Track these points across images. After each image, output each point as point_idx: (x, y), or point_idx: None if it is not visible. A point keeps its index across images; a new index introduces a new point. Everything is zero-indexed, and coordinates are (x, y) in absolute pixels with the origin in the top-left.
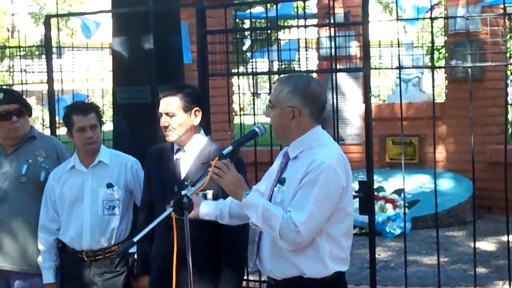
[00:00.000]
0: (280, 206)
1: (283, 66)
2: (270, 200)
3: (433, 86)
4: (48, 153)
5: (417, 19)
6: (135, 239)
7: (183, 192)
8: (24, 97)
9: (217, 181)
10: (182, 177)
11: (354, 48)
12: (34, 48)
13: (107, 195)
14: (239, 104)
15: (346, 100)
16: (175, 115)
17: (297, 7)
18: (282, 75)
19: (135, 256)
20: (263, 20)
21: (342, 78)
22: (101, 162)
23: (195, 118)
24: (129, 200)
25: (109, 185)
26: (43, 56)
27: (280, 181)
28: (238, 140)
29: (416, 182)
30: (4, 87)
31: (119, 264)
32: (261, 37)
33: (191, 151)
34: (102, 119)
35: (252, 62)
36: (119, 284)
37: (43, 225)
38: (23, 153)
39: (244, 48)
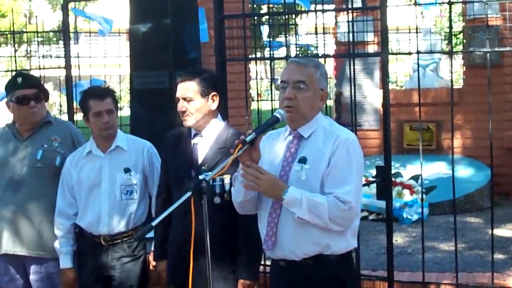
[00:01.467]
0: (305, 184)
1: (300, 52)
2: (287, 179)
3: (451, 72)
4: (63, 138)
5: (435, 3)
6: (154, 223)
7: (201, 177)
8: (41, 82)
9: (254, 189)
10: (200, 162)
11: (372, 34)
12: (51, 33)
13: (124, 180)
14: (257, 90)
15: (363, 85)
16: (192, 99)
17: None
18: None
19: (153, 241)
20: (280, 6)
21: (359, 64)
22: (118, 147)
23: (213, 103)
24: (146, 185)
25: (127, 170)
26: (60, 41)
27: (301, 159)
28: (260, 127)
29: (433, 168)
30: (19, 71)
31: (136, 248)
32: (278, 22)
33: (208, 136)
34: (119, 104)
35: (270, 47)
36: (137, 268)
37: (60, 210)
38: (38, 138)
39: (264, 35)
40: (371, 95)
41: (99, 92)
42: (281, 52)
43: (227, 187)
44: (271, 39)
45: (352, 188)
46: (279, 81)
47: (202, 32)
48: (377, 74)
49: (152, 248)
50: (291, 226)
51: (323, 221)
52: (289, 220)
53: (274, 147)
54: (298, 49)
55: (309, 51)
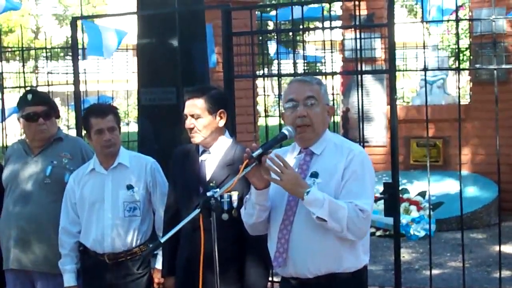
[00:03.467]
0: None
1: (308, 68)
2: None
3: (459, 88)
4: (74, 154)
5: (442, 21)
6: (162, 240)
7: (209, 193)
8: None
9: (274, 182)
10: (207, 178)
11: (379, 50)
12: (58, 49)
13: (127, 197)
14: (265, 106)
15: (370, 101)
16: (200, 117)
17: (322, 10)
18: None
19: (158, 257)
20: (287, 22)
21: (366, 80)
22: (121, 164)
23: (220, 120)
24: (150, 201)
25: (129, 187)
26: (67, 57)
27: (312, 174)
28: (268, 143)
29: (440, 185)
30: (30, 88)
31: (140, 266)
32: (285, 39)
33: (216, 153)
34: (126, 119)
35: (277, 64)
36: (141, 286)
37: (63, 227)
38: (48, 155)
39: (271, 51)
40: (378, 111)
41: (101, 110)
42: (287, 66)
43: (234, 204)
44: (279, 56)
45: (370, 201)
46: (283, 102)
47: (210, 55)
48: (384, 89)
49: (156, 265)
50: (303, 242)
51: (340, 226)
52: (301, 236)
53: None
54: (306, 64)
55: (317, 65)
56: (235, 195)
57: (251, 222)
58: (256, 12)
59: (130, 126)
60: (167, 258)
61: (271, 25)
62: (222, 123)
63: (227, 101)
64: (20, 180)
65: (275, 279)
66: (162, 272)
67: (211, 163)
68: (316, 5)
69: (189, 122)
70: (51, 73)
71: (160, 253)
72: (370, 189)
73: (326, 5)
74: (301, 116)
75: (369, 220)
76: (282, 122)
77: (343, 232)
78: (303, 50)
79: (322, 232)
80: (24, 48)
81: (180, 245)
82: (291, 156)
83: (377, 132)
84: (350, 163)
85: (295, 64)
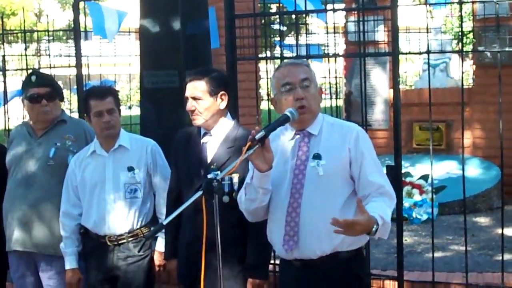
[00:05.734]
0: (323, 179)
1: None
2: (304, 177)
3: (462, 72)
4: (77, 137)
5: (446, 3)
6: (165, 222)
7: (211, 176)
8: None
9: (351, 235)
10: (209, 161)
11: (382, 33)
12: (61, 32)
13: (128, 179)
14: (267, 89)
15: (372, 85)
16: (201, 99)
17: None
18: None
19: (158, 240)
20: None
21: (368, 64)
22: (122, 146)
23: (221, 102)
24: (151, 183)
25: (130, 169)
26: (69, 40)
27: (315, 156)
28: (270, 125)
29: (442, 168)
30: (34, 70)
31: (142, 248)
32: (288, 22)
33: (217, 135)
34: (128, 103)
35: (281, 47)
36: (143, 268)
37: (65, 210)
38: (52, 137)
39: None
40: (380, 94)
41: (100, 92)
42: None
43: (235, 186)
44: (282, 38)
45: (384, 175)
46: (276, 87)
47: (213, 37)
48: (386, 73)
49: (157, 248)
50: (312, 224)
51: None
52: (312, 218)
53: (282, 147)
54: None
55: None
56: (236, 178)
57: (253, 208)
58: None
59: (132, 110)
60: (170, 241)
61: (274, 8)
62: (223, 105)
63: (229, 83)
64: (23, 162)
65: (277, 261)
66: (165, 255)
67: (212, 145)
68: None
69: (190, 105)
70: (54, 55)
71: (161, 236)
72: (379, 163)
73: None
74: (299, 98)
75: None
76: (272, 107)
77: None
78: (306, 33)
79: (329, 213)
80: (27, 30)
81: (182, 228)
82: (285, 139)
83: (378, 116)
84: (355, 142)
85: (297, 46)
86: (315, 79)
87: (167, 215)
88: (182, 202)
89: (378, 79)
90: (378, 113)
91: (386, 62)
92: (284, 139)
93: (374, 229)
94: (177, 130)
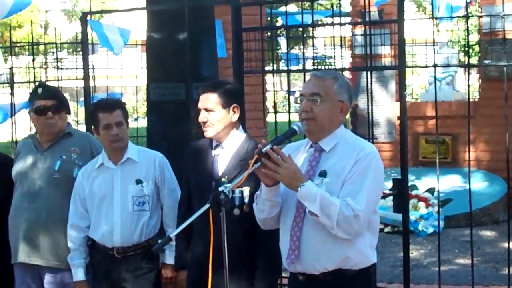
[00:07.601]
0: None
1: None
2: None
3: (468, 85)
4: (83, 150)
5: (452, 17)
6: (172, 234)
7: (220, 188)
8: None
9: (272, 176)
10: (220, 173)
11: (388, 47)
12: (67, 44)
13: (136, 191)
14: (274, 102)
15: (377, 98)
16: (213, 110)
17: (331, 5)
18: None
19: (166, 252)
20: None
21: (374, 76)
22: (130, 159)
23: (234, 114)
24: (158, 196)
25: (138, 181)
26: (75, 53)
27: (321, 173)
28: (277, 138)
29: (448, 181)
30: (41, 82)
31: (149, 261)
32: (295, 34)
33: (229, 148)
34: (135, 115)
35: (287, 60)
36: (150, 281)
37: (73, 223)
38: (57, 149)
39: (282, 47)
40: (385, 107)
41: (108, 105)
42: (296, 62)
43: (246, 199)
44: (288, 51)
45: (365, 201)
46: (297, 94)
47: (220, 47)
48: (392, 86)
49: (164, 260)
50: (314, 239)
51: (331, 222)
52: (312, 233)
53: (298, 160)
54: (315, 62)
55: (325, 63)
56: (246, 191)
57: (262, 218)
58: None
59: (138, 121)
60: (180, 253)
61: (280, 21)
62: (235, 117)
63: (241, 96)
64: (29, 175)
65: (284, 274)
66: (175, 266)
67: (224, 158)
68: (323, 9)
69: (202, 116)
70: (60, 68)
71: (168, 248)
72: (371, 189)
73: (335, 1)
74: (304, 110)
75: (362, 220)
76: (278, 119)
77: (333, 229)
78: (313, 46)
79: (328, 230)
80: (34, 43)
81: (192, 240)
82: (304, 149)
83: (384, 129)
84: (356, 162)
85: (304, 60)
86: (337, 94)
87: (177, 227)
88: (193, 214)
89: (383, 92)
90: (383, 126)
91: (392, 75)
92: (301, 151)
93: (299, 186)
94: (183, 143)
